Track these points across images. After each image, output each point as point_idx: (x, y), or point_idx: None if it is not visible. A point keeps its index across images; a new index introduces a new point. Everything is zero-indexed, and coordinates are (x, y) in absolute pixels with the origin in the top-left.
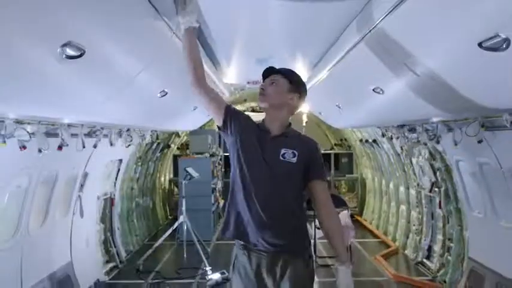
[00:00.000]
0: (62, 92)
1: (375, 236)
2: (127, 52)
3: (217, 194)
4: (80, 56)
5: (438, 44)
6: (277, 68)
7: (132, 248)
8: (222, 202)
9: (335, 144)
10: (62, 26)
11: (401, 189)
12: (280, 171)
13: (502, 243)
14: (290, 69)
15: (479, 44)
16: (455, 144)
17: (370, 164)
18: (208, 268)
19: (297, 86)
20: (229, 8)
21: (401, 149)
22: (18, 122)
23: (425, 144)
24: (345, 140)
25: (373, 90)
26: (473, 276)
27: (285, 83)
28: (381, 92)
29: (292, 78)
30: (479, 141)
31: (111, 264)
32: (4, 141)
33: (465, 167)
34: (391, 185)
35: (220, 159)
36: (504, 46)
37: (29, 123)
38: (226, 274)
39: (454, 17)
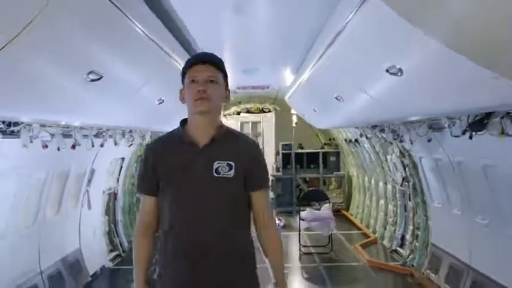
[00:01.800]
0: (82, 104)
1: (358, 229)
2: (132, 73)
3: None
4: (99, 79)
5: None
6: (207, 55)
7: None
8: None
9: (325, 144)
10: (88, 60)
11: (381, 184)
12: (215, 191)
13: (454, 229)
14: (219, 58)
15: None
16: (411, 143)
17: (355, 162)
18: None
19: (227, 77)
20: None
21: (379, 147)
22: (42, 125)
23: (391, 143)
24: (333, 139)
25: (336, 98)
26: (434, 259)
27: (222, 78)
28: (341, 100)
29: (225, 70)
30: (429, 140)
31: (114, 253)
32: (31, 141)
33: (426, 163)
34: (372, 181)
35: None
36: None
37: (50, 127)
38: None
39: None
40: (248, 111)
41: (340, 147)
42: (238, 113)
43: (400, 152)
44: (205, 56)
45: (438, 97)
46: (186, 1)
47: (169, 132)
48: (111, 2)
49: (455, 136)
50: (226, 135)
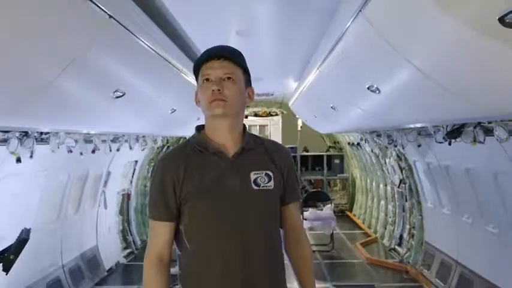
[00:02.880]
0: (108, 116)
1: (360, 228)
2: (149, 88)
3: None
4: (123, 95)
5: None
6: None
7: (145, 237)
8: None
9: (330, 147)
10: (115, 80)
11: (381, 186)
12: (256, 207)
13: (445, 228)
14: (237, 50)
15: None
16: (403, 148)
17: (358, 164)
18: None
19: (249, 73)
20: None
21: (378, 150)
22: (68, 133)
23: (386, 147)
24: (338, 142)
25: (331, 107)
26: (427, 256)
27: (241, 75)
28: (336, 109)
29: (246, 66)
30: (419, 145)
31: (128, 250)
32: (58, 147)
33: (419, 166)
34: (373, 183)
35: None
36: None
37: (73, 133)
38: None
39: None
40: (256, 115)
41: (344, 150)
42: (246, 116)
43: (397, 155)
44: (220, 50)
45: (411, 112)
46: (196, 26)
47: (185, 142)
48: (134, 34)
49: (439, 142)
50: (255, 142)
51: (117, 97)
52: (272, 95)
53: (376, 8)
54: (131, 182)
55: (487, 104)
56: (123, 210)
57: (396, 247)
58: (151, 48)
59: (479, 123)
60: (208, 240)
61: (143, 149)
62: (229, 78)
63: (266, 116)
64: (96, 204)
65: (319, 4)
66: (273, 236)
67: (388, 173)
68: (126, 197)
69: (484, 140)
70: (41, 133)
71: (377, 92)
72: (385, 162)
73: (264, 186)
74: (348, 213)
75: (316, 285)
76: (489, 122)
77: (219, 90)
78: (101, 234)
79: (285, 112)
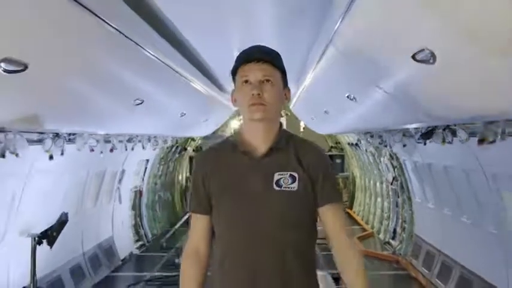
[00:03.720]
0: (128, 120)
1: (359, 224)
2: (163, 96)
3: None
4: (141, 103)
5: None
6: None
7: (156, 231)
8: None
9: (332, 147)
10: (135, 90)
11: (378, 184)
12: (276, 207)
13: (430, 220)
14: (275, 51)
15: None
16: (390, 147)
17: (357, 163)
18: None
19: (286, 74)
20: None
21: (374, 150)
22: (91, 134)
23: (377, 147)
24: (339, 143)
25: (324, 111)
26: (416, 247)
27: (279, 77)
28: (328, 113)
29: (283, 67)
30: (404, 145)
31: (140, 242)
32: (80, 148)
33: (408, 165)
34: (371, 181)
35: None
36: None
37: (95, 135)
38: None
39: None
40: None
41: (345, 150)
42: None
43: (390, 155)
44: (259, 52)
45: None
46: (203, 40)
47: (223, 140)
48: (150, 52)
49: (418, 142)
50: (288, 143)
51: (137, 104)
52: None
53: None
54: (143, 179)
55: (449, 111)
56: (136, 206)
57: (390, 240)
58: (164, 62)
59: (447, 126)
60: (226, 236)
61: (154, 148)
62: (268, 80)
63: None
64: (111, 200)
65: (312, 17)
66: (297, 243)
67: (383, 171)
68: (138, 194)
69: (452, 140)
70: (69, 134)
71: (354, 100)
72: (380, 161)
73: (286, 187)
74: (348, 210)
75: None
76: (454, 125)
77: (259, 94)
78: (116, 227)
79: (288, 113)
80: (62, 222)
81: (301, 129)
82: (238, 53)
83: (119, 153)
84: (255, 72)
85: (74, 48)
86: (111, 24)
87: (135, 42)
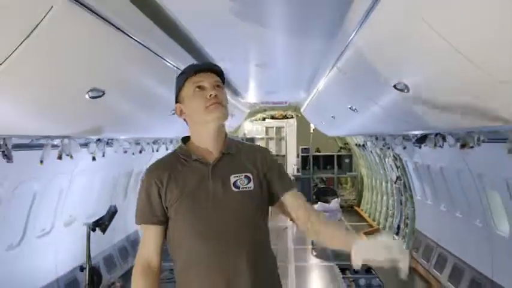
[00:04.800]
0: (161, 127)
1: (366, 221)
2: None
3: None
4: (174, 113)
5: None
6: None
7: None
8: None
9: (341, 147)
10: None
11: (383, 183)
12: (236, 207)
13: (429, 216)
14: (218, 65)
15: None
16: (393, 150)
17: (365, 164)
18: None
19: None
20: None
21: (379, 151)
22: (125, 140)
23: (381, 149)
24: (347, 144)
25: (332, 117)
26: (417, 241)
27: (223, 87)
28: (335, 118)
29: (224, 79)
30: (404, 148)
31: None
32: (116, 151)
33: (410, 165)
34: (377, 180)
35: None
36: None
37: (128, 138)
38: None
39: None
40: (272, 117)
41: (353, 151)
42: (264, 119)
43: (394, 156)
44: (209, 64)
45: (381, 126)
46: (224, 55)
47: (170, 153)
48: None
49: (415, 146)
50: (236, 147)
51: (173, 114)
52: (286, 103)
53: (360, 44)
54: None
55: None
56: None
57: (394, 236)
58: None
59: (438, 132)
60: (189, 241)
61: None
62: (219, 86)
63: (282, 119)
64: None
65: (322, 32)
66: (260, 241)
67: (387, 171)
68: None
69: (443, 144)
70: (108, 139)
71: (355, 111)
72: (385, 162)
73: (243, 188)
74: (356, 208)
75: (321, 264)
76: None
77: (216, 95)
78: None
79: (299, 115)
80: (112, 213)
81: (311, 131)
82: (253, 63)
83: (145, 154)
84: (208, 78)
85: (130, 76)
86: (154, 51)
87: (175, 66)
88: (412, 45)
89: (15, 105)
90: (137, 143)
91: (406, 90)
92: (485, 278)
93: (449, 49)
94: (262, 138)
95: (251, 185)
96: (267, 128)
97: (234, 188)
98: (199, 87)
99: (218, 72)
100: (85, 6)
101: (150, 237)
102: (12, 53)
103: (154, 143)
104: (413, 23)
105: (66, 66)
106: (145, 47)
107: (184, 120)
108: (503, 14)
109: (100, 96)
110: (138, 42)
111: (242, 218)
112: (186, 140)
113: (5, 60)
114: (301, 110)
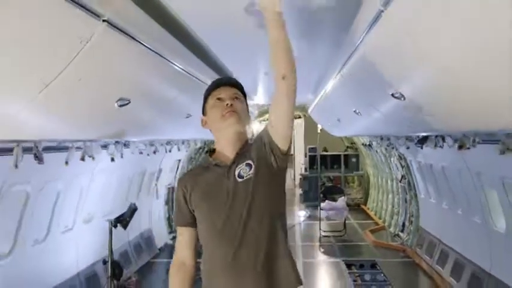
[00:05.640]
0: (176, 131)
1: (372, 219)
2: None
3: None
4: (189, 117)
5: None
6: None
7: None
8: None
9: (347, 147)
10: (185, 107)
11: (389, 182)
12: (243, 198)
13: (432, 213)
14: (239, 82)
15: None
16: (396, 150)
17: (371, 163)
18: None
19: (246, 98)
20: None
21: (385, 151)
22: (140, 142)
23: (386, 148)
24: (354, 143)
25: (337, 119)
26: (420, 238)
27: (244, 99)
28: (340, 120)
29: (245, 93)
30: (407, 148)
31: (173, 234)
32: (133, 152)
33: (414, 165)
34: (383, 179)
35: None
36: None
37: (144, 140)
38: None
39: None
40: None
41: (360, 150)
42: None
43: (399, 156)
44: (228, 79)
45: (383, 128)
46: (236, 63)
47: (199, 163)
48: (200, 81)
49: (417, 146)
50: (250, 145)
51: (187, 117)
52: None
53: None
54: (175, 177)
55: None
56: (169, 201)
57: (399, 233)
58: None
59: (438, 134)
60: (209, 236)
61: (187, 150)
62: (237, 98)
63: None
64: (149, 195)
65: (328, 41)
66: (272, 228)
67: (393, 170)
68: (171, 190)
69: (443, 145)
70: (126, 140)
71: (359, 114)
72: (391, 161)
73: (247, 176)
74: (363, 206)
75: (328, 260)
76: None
77: (232, 105)
78: (153, 219)
79: (306, 115)
80: (132, 210)
81: (318, 131)
82: (262, 71)
83: (158, 155)
84: (226, 91)
85: (152, 86)
86: (173, 62)
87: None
88: (407, 59)
89: (53, 113)
90: (151, 144)
91: (402, 99)
92: (484, 272)
93: (441, 65)
94: None
95: (252, 171)
96: None
97: (239, 179)
98: (219, 99)
99: (237, 86)
100: (119, 29)
101: (183, 239)
102: (62, 72)
103: (167, 143)
104: (409, 39)
105: (100, 80)
106: (165, 58)
107: (210, 130)
108: (489, 34)
109: (126, 104)
110: (161, 56)
111: (251, 207)
112: (211, 152)
113: (56, 77)
114: (309, 111)
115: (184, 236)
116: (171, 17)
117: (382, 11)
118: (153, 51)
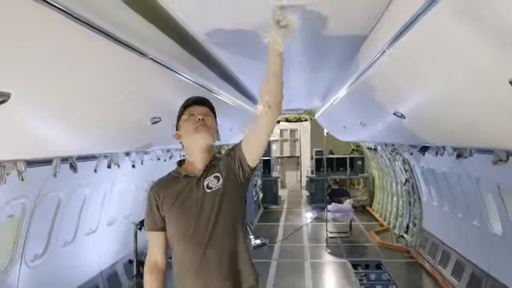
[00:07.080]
0: None
1: (377, 220)
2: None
3: (257, 189)
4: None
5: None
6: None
7: None
8: (261, 195)
9: (353, 150)
10: None
11: (393, 185)
12: (209, 206)
13: (434, 216)
14: (210, 101)
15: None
16: (400, 155)
17: (376, 166)
18: (251, 237)
19: (216, 117)
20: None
21: (389, 155)
22: (160, 149)
23: (391, 153)
24: (359, 146)
25: (343, 127)
26: (424, 239)
27: (213, 117)
28: (346, 128)
29: (215, 113)
30: (411, 153)
31: None
32: (151, 158)
33: (417, 169)
34: (388, 182)
35: (259, 162)
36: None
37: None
38: (264, 240)
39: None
40: (287, 120)
41: (365, 153)
42: (278, 122)
43: (403, 160)
44: (201, 99)
45: (387, 138)
46: (246, 74)
47: (169, 173)
48: (215, 93)
49: (419, 153)
50: (218, 159)
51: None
52: (301, 110)
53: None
54: None
55: (439, 139)
56: None
57: (404, 234)
58: (218, 94)
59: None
60: (179, 240)
61: None
62: (208, 115)
63: (296, 121)
64: None
65: (339, 51)
66: (235, 231)
67: (397, 173)
68: None
69: (443, 153)
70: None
71: (363, 125)
72: (395, 165)
73: (215, 187)
74: (368, 208)
75: (334, 260)
76: None
77: (203, 119)
78: None
79: (313, 118)
80: None
81: (325, 134)
82: None
83: (172, 159)
84: (198, 109)
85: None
86: (183, 75)
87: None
88: (407, 85)
89: (92, 133)
90: (168, 151)
91: (403, 118)
92: (483, 272)
93: (437, 90)
94: (276, 141)
95: (220, 183)
96: (281, 131)
97: (207, 190)
98: (192, 114)
99: (208, 105)
100: (159, 63)
101: (154, 242)
102: (106, 101)
103: (181, 149)
104: (409, 71)
105: (138, 103)
106: (191, 80)
107: (181, 143)
108: (477, 64)
109: (158, 122)
110: (187, 78)
111: (217, 216)
112: (181, 163)
113: (103, 103)
114: (316, 116)
115: (155, 239)
116: (196, 44)
117: (385, 51)
118: (182, 76)
